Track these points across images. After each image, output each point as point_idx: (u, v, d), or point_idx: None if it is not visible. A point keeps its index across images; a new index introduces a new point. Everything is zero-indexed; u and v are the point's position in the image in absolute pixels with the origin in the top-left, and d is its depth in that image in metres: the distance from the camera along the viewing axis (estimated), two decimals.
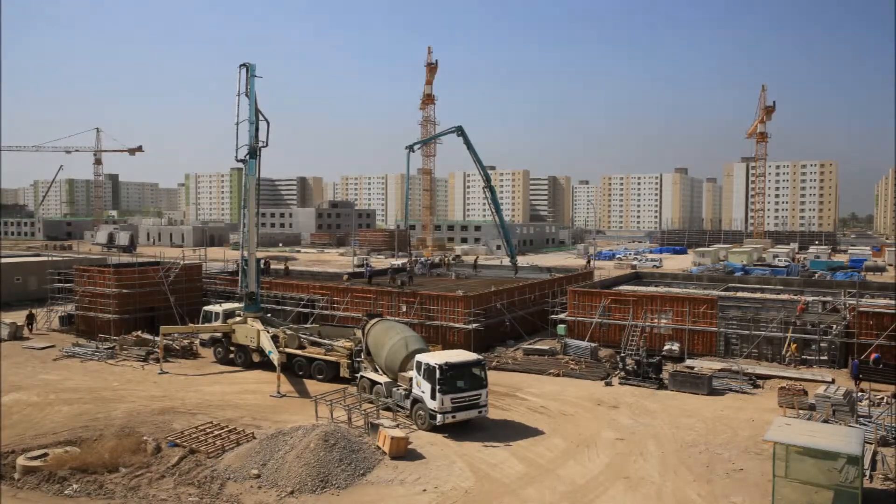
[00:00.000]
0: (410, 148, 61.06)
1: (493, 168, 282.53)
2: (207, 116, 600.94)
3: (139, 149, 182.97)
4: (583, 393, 31.37)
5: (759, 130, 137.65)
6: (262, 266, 56.63)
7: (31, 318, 46.65)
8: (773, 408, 28.53)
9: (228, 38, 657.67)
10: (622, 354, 35.63)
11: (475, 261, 69.17)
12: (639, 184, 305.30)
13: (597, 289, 43.48)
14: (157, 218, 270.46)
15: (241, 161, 37.10)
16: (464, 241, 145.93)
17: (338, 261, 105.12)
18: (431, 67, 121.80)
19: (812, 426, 21.03)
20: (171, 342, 38.94)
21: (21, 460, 21.44)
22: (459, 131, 60.90)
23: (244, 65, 36.63)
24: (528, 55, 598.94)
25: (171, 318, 43.36)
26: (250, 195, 37.48)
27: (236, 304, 39.41)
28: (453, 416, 25.09)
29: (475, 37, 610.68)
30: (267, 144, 37.31)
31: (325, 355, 33.70)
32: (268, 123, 37.22)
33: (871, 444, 22.65)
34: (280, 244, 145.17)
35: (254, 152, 36.78)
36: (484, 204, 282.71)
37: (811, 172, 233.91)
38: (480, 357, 27.30)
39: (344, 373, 32.49)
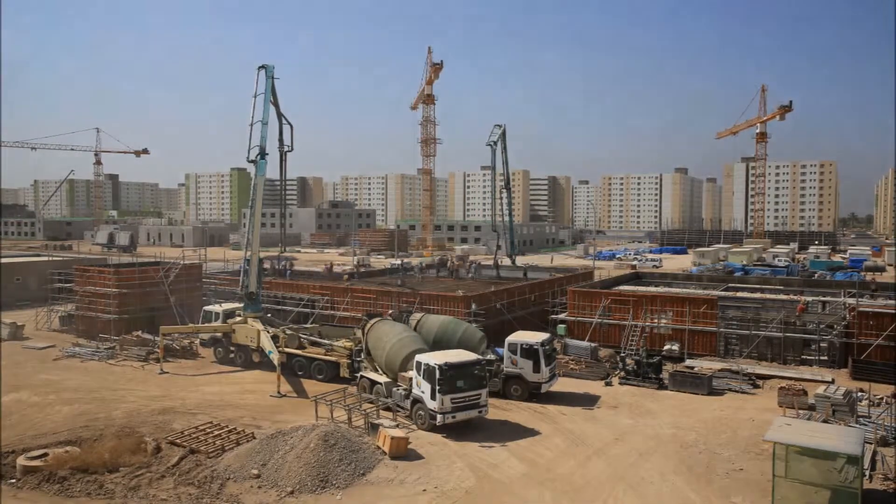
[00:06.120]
0: (492, 144, 63.74)
1: (492, 168, 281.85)
2: (208, 116, 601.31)
3: (145, 151, 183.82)
4: (582, 393, 31.40)
5: (759, 130, 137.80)
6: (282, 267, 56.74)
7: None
8: (772, 408, 28.54)
9: (228, 38, 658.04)
10: (622, 354, 35.65)
11: (458, 262, 56.16)
12: (639, 184, 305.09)
13: (597, 289, 43.48)
14: (158, 218, 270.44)
15: (252, 161, 36.37)
16: (464, 241, 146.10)
17: (338, 261, 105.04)
18: (436, 67, 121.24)
19: (812, 426, 21.04)
20: (171, 342, 38.94)
21: (21, 460, 21.46)
22: (503, 132, 64.44)
23: (263, 66, 36.46)
24: (528, 54, 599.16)
25: (171, 318, 43.34)
26: (258, 196, 37.16)
27: (236, 304, 39.45)
28: (453, 416, 25.09)
29: (473, 35, 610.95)
30: (292, 149, 36.84)
31: (325, 355, 33.73)
32: (291, 127, 36.93)
33: (871, 444, 22.67)
34: (280, 244, 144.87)
35: (264, 153, 36.27)
36: (484, 204, 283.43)
37: (811, 172, 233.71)
38: (480, 357, 27.31)
39: (344, 373, 32.51)
